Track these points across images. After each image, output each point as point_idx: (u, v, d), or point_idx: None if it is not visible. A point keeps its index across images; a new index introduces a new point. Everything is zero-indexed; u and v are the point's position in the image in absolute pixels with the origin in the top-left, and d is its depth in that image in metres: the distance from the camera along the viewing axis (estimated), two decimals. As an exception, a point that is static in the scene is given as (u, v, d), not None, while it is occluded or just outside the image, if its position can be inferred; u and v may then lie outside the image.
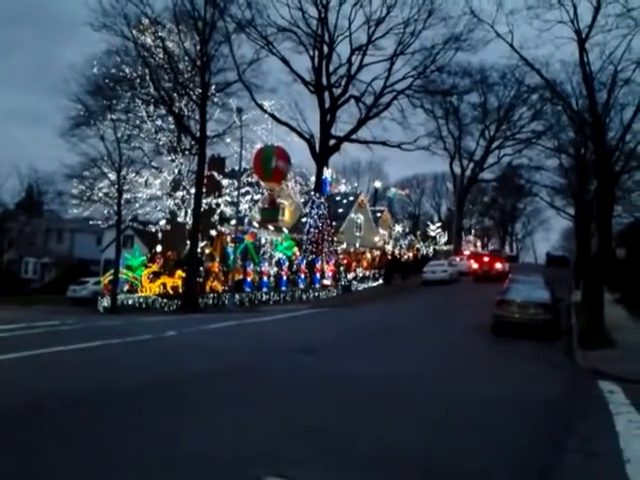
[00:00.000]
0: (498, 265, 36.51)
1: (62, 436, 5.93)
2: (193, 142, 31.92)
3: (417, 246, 53.55)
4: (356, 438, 6.24)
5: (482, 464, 5.66)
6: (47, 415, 6.77)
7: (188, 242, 30.48)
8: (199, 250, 30.61)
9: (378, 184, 70.56)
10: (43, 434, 5.98)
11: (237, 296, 27.57)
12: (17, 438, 5.79)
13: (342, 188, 52.36)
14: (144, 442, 5.88)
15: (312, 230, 35.12)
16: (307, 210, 37.85)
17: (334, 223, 40.87)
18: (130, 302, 30.14)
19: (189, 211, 32.38)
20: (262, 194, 35.17)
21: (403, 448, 5.98)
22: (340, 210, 47.69)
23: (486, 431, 6.92)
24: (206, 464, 5.28)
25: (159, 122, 33.88)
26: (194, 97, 30.22)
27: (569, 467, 5.67)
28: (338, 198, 48.59)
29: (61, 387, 8.37)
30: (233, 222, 31.08)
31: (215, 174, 33.67)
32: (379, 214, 58.62)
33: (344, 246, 42.33)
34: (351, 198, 51.30)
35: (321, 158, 39.12)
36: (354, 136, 41.39)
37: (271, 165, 29.40)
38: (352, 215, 50.18)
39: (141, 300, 29.93)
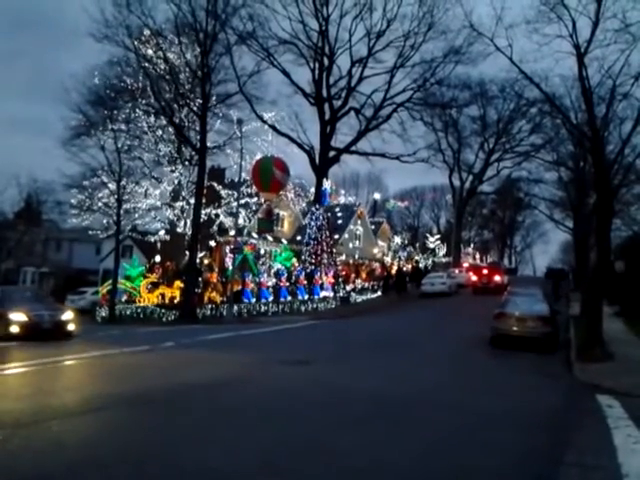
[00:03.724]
0: (497, 278, 36.47)
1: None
2: (193, 153, 32.02)
3: (416, 258, 53.56)
4: (353, 452, 6.19)
5: (478, 477, 5.63)
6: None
7: (187, 252, 30.46)
8: (198, 260, 30.58)
9: (377, 196, 70.68)
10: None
11: (235, 307, 27.51)
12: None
13: (341, 199, 52.42)
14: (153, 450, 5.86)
15: (311, 241, 35.12)
16: (306, 221, 37.89)
17: (334, 234, 40.90)
18: (128, 312, 30.07)
19: (188, 221, 32.40)
20: (261, 205, 35.24)
21: (400, 461, 5.94)
22: (339, 221, 47.66)
23: (483, 444, 6.87)
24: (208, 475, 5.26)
25: (159, 133, 34.00)
26: (195, 108, 30.32)
27: (566, 481, 5.63)
28: (337, 209, 48.54)
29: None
30: (232, 233, 31.10)
31: (215, 185, 33.75)
32: (378, 226, 58.62)
33: (343, 257, 42.30)
34: (350, 209, 51.32)
35: (321, 169, 39.26)
36: (354, 148, 41.64)
37: (269, 176, 29.45)
38: (351, 226, 50.13)
39: (139, 310, 29.85)
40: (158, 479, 5.20)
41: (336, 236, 43.50)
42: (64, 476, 5.16)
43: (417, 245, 60.20)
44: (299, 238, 39.26)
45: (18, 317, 16.76)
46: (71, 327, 17.91)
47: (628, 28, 17.64)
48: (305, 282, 32.73)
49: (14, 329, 16.56)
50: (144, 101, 32.10)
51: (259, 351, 15.07)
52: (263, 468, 5.52)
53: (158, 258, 34.45)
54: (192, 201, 30.85)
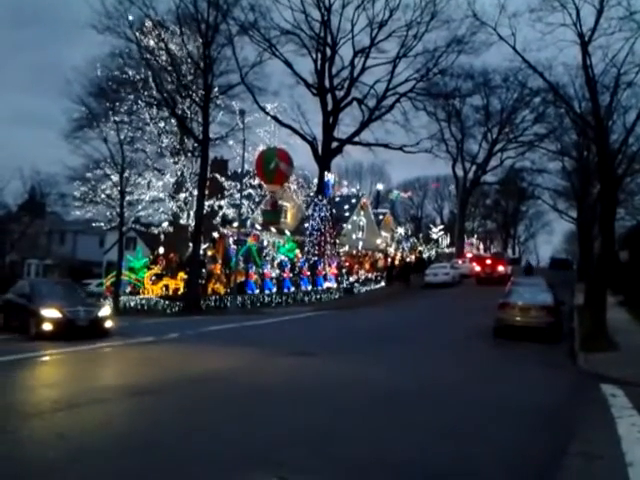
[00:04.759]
0: (500, 268, 36.45)
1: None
2: (196, 144, 31.96)
3: (419, 249, 53.53)
4: (354, 442, 6.22)
5: (482, 468, 5.64)
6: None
7: (190, 244, 30.49)
8: (201, 252, 30.61)
9: (380, 187, 70.63)
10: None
11: (239, 298, 27.57)
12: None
13: (344, 190, 52.32)
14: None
15: (314, 232, 35.11)
16: (309, 212, 37.86)
17: (337, 226, 40.85)
18: (132, 304, 30.18)
19: (191, 213, 32.41)
20: (264, 196, 35.21)
21: (401, 453, 5.96)
22: (342, 213, 47.62)
23: (487, 434, 6.90)
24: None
25: (162, 124, 33.94)
26: (197, 99, 30.26)
27: (570, 471, 5.63)
28: (340, 200, 48.55)
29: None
30: (235, 224, 31.12)
31: (218, 176, 33.71)
32: (381, 217, 58.56)
33: (346, 248, 42.28)
34: (353, 201, 51.26)
35: (323, 160, 39.10)
36: (356, 138, 41.38)
37: (273, 167, 29.41)
38: (354, 217, 50.13)
39: (143, 302, 29.95)
40: (159, 472, 5.23)
41: (340, 227, 43.49)
42: (67, 466, 5.19)
43: (420, 236, 60.11)
44: (303, 229, 39.22)
45: (51, 314, 15.00)
46: (109, 324, 16.09)
47: (632, 16, 17.49)
48: (308, 273, 32.77)
49: (47, 327, 14.83)
50: (146, 93, 32.03)
51: (263, 342, 15.10)
52: (267, 460, 5.54)
53: (162, 250, 34.47)
54: (195, 193, 30.85)
